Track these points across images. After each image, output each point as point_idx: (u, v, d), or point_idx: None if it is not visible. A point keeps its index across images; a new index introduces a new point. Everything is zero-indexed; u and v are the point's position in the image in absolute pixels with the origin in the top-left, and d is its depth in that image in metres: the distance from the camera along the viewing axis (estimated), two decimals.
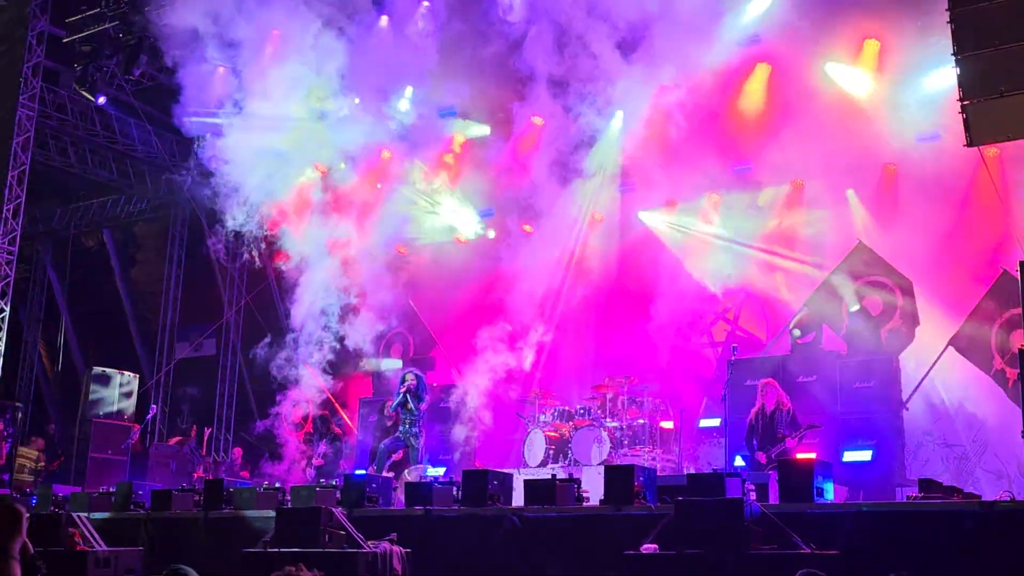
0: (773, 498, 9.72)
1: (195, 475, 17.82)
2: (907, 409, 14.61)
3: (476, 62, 17.87)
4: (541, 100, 17.81)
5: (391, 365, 19.59)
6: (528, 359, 18.10)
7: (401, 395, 15.18)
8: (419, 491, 11.54)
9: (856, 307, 15.51)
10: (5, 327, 17.27)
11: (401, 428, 15.08)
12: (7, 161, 17.35)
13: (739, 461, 13.34)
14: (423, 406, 15.16)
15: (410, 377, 15.38)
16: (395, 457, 14.79)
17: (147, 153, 21.96)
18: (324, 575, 5.10)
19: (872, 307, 15.65)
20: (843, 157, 16.21)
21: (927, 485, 9.58)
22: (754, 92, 16.93)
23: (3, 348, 17.19)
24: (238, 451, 20.82)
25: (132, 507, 13.26)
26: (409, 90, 19.33)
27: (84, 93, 18.60)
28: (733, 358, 13.72)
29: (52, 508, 13.37)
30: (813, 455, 11.95)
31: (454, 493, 11.45)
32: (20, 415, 21.84)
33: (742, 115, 17.07)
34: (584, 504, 10.78)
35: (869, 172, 16.29)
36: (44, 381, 25.99)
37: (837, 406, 14.56)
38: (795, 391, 14.32)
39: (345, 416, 19.27)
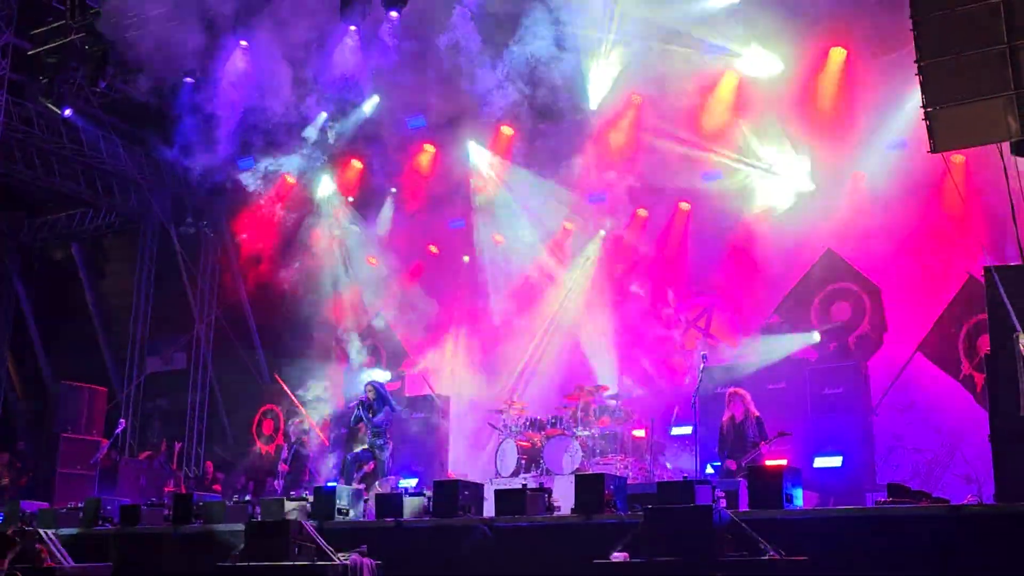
0: (743, 505, 9.74)
1: (166, 489, 17.69)
2: (876, 415, 14.72)
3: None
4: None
5: (373, 376, 19.55)
6: (500, 369, 18.16)
7: (356, 408, 15.04)
8: (390, 502, 11.49)
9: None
10: None
11: (368, 440, 14.97)
12: None
13: (711, 469, 13.38)
14: (380, 418, 14.94)
15: (368, 388, 15.26)
16: (366, 469, 14.68)
17: (115, 166, 21.83)
18: None
19: (840, 313, 15.76)
20: (811, 164, 16.30)
21: (896, 490, 9.63)
22: (722, 100, 16.99)
23: None
24: (209, 465, 20.70)
25: (100, 523, 13.13)
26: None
27: (50, 105, 18.46)
28: (703, 365, 13.75)
29: (20, 524, 13.21)
30: (784, 462, 11.99)
31: (425, 504, 11.41)
32: None
33: (710, 124, 17.12)
34: (555, 513, 10.77)
35: (841, 178, 16.38)
36: (12, 395, 25.74)
37: (807, 413, 14.64)
38: (765, 398, 14.37)
39: (317, 427, 19.19)
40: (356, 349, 20.12)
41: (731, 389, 13.22)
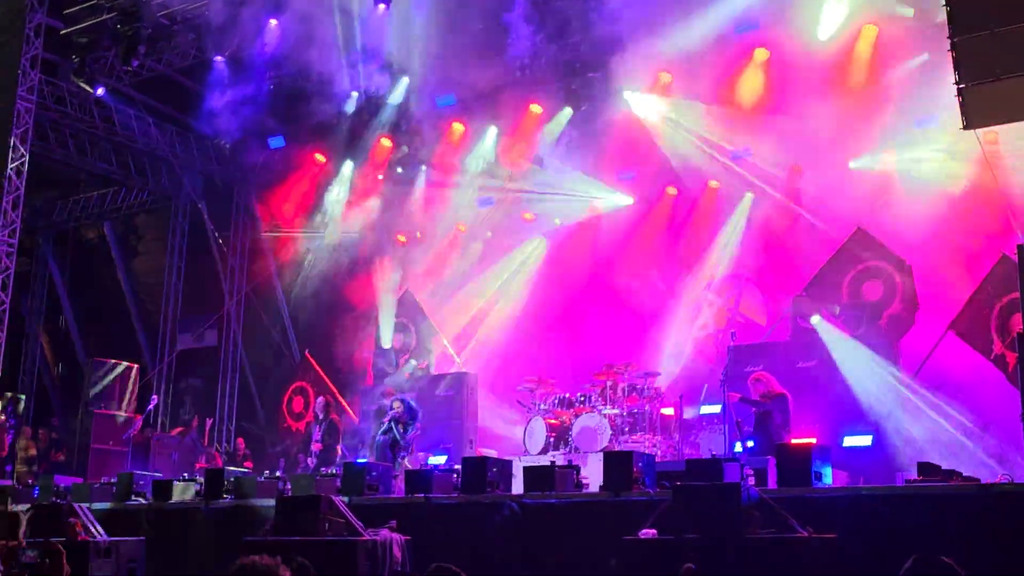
0: (772, 483, 9.72)
1: (197, 465, 17.86)
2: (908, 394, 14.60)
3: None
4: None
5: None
6: (529, 346, 18.18)
7: (387, 424, 15.20)
8: (419, 479, 11.56)
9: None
10: (6, 320, 17.26)
11: (391, 439, 15.12)
12: (6, 153, 17.33)
13: (739, 448, 13.34)
14: (411, 435, 15.17)
15: (397, 404, 15.38)
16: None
17: (146, 145, 21.95)
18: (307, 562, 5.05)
19: (872, 292, 15.65)
20: (841, 142, 16.18)
21: (926, 469, 9.58)
22: (751, 78, 16.89)
23: (4, 340, 17.18)
24: (241, 441, 20.86)
25: (133, 497, 13.28)
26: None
27: (82, 84, 18.58)
28: (732, 344, 13.70)
29: (54, 499, 13.40)
30: (812, 440, 11.93)
31: (454, 480, 11.48)
32: (22, 406, 21.90)
33: (739, 102, 17.03)
34: (583, 491, 10.80)
35: (867, 158, 16.25)
36: (46, 373, 26.04)
37: (837, 391, 14.56)
38: (796, 377, 14.32)
39: (345, 403, 19.32)
40: (386, 326, 20.23)
41: (755, 374, 13.01)
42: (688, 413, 15.26)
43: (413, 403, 15.61)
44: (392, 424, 15.13)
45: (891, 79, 15.70)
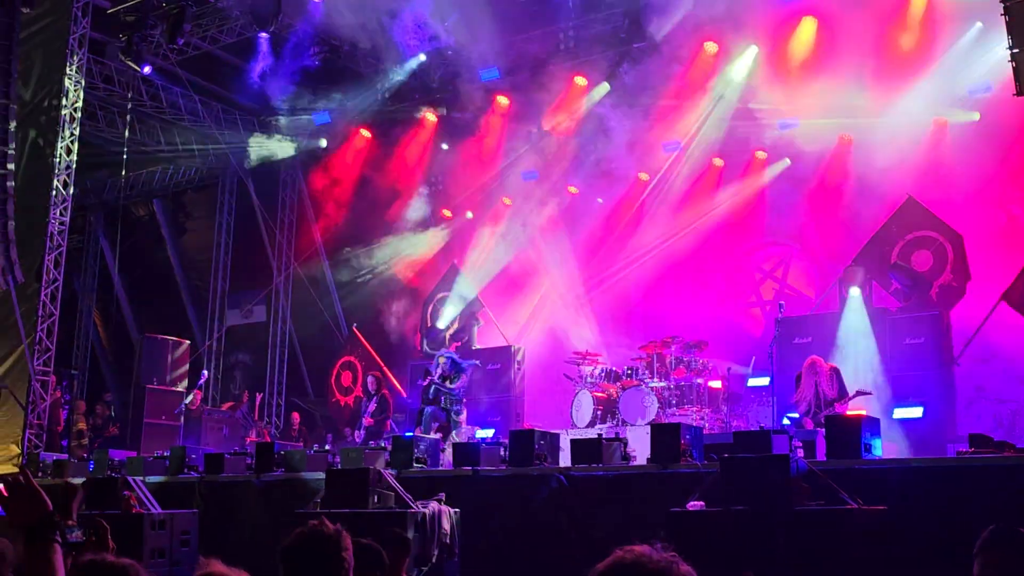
0: (820, 455, 9.66)
1: (247, 439, 18.07)
2: (959, 365, 14.44)
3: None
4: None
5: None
6: (574, 320, 18.16)
7: (436, 380, 15.30)
8: (467, 452, 11.62)
9: (896, 263, 15.32)
10: (60, 296, 17.52)
11: (443, 402, 15.21)
12: (56, 133, 17.55)
13: (787, 420, 13.26)
14: (458, 385, 15.26)
15: (443, 360, 15.50)
16: (438, 423, 14.94)
17: (194, 122, 22.12)
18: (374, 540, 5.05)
19: (922, 262, 15.45)
20: (891, 111, 15.97)
21: (978, 440, 9.46)
22: (800, 46, 16.69)
23: (58, 317, 17.45)
24: (296, 416, 21.05)
25: (186, 471, 13.47)
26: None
27: (129, 63, 18.71)
28: (780, 316, 13.59)
29: (108, 472, 13.63)
30: (862, 412, 11.84)
31: (501, 453, 11.53)
32: (76, 382, 22.26)
33: (787, 70, 16.84)
34: (630, 463, 10.80)
35: (919, 126, 16.03)
36: (99, 349, 26.43)
37: (887, 363, 14.43)
38: (844, 348, 14.21)
39: (393, 378, 19.43)
40: (432, 301, 20.32)
41: (811, 359, 12.82)
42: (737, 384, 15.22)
43: (457, 357, 15.71)
44: (442, 380, 15.22)
45: (944, 46, 15.45)
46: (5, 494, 2.52)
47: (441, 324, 19.71)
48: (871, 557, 7.86)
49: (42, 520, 2.66)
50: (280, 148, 22.88)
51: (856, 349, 14.30)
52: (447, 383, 15.24)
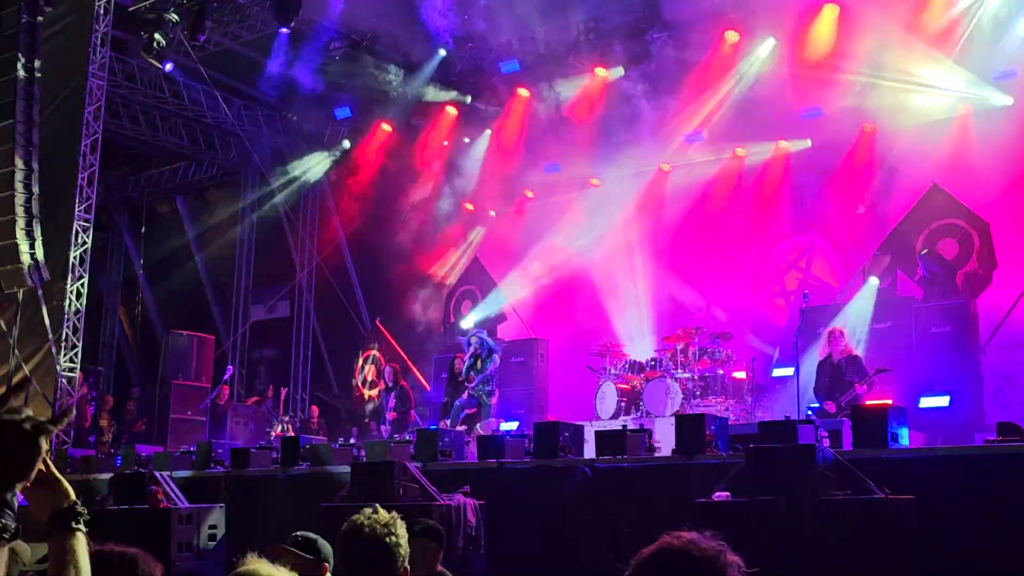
0: (847, 445, 9.61)
1: (273, 434, 18.14)
2: (985, 353, 14.33)
3: None
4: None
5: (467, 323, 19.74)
6: (597, 312, 18.14)
7: (469, 359, 15.31)
8: (491, 444, 11.63)
9: (925, 250, 15.23)
10: (85, 293, 17.64)
11: (474, 386, 15.18)
12: (79, 131, 17.65)
13: (809, 411, 13.20)
14: (491, 367, 15.24)
15: (475, 340, 15.50)
16: (468, 411, 14.92)
17: (215, 119, 22.19)
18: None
19: (948, 251, 15.35)
20: (915, 99, 15.86)
21: (1006, 429, 9.37)
22: (821, 33, 16.59)
23: (84, 314, 17.57)
24: (315, 409, 21.12)
25: (212, 465, 13.54)
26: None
27: (151, 60, 18.81)
28: (805, 305, 13.52)
29: (136, 467, 13.72)
30: (888, 401, 11.78)
31: (526, 446, 11.53)
32: (103, 379, 22.41)
33: (809, 58, 16.74)
34: (655, 454, 10.79)
35: (943, 113, 15.90)
36: (125, 345, 26.60)
37: (913, 352, 14.34)
38: (870, 338, 14.13)
39: (417, 372, 19.47)
40: (455, 295, 20.36)
41: (830, 328, 12.93)
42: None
43: (488, 338, 15.72)
44: (474, 359, 15.21)
45: (969, 32, 15.31)
46: (28, 484, 2.53)
47: (465, 324, 19.71)
48: (898, 546, 7.82)
49: (64, 510, 2.66)
50: (301, 143, 22.95)
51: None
52: (479, 364, 15.21)
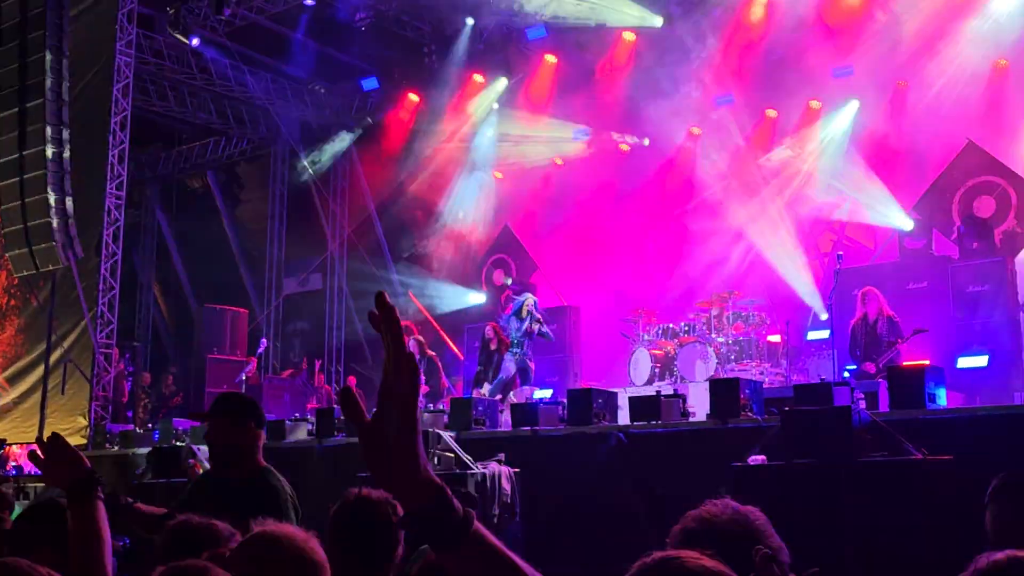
0: (883, 406, 9.52)
1: (308, 406, 18.23)
2: None
3: None
4: None
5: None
6: (630, 277, 18.05)
7: (528, 318, 15.08)
8: (525, 412, 11.62)
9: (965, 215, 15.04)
10: (119, 270, 17.78)
11: (518, 351, 15.00)
12: (108, 109, 17.73)
13: (846, 373, 13.09)
14: (548, 328, 15.16)
15: (530, 301, 15.29)
16: (503, 377, 14.79)
17: (243, 93, 22.20)
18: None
19: (984, 209, 15.12)
20: (949, 55, 15.60)
21: None
22: None
23: (118, 291, 17.72)
24: (352, 380, 21.19)
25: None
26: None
27: (177, 36, 18.85)
28: (839, 267, 13.38)
29: (173, 441, 13.83)
30: (926, 361, 11.64)
31: (560, 413, 11.52)
32: (139, 354, 22.61)
33: (841, 15, 16.49)
34: (689, 419, 10.74)
35: (978, 69, 15.63)
36: (161, 321, 26.81)
37: (950, 312, 14.16)
38: (906, 298, 13.96)
39: (450, 341, 19.49)
40: (485, 264, 20.32)
41: (865, 288, 12.79)
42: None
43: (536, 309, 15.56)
44: (531, 319, 15.04)
45: None
46: (41, 456, 2.52)
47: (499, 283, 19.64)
48: (937, 507, 7.75)
49: (81, 479, 2.66)
50: (329, 115, 22.94)
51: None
52: (541, 326, 15.07)
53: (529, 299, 15.35)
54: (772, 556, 2.76)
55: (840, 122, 17.29)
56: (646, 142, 19.15)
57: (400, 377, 1.92)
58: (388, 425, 1.90)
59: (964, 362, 13.57)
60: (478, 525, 1.93)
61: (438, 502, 1.90)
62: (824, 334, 14.93)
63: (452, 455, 10.45)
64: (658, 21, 18.25)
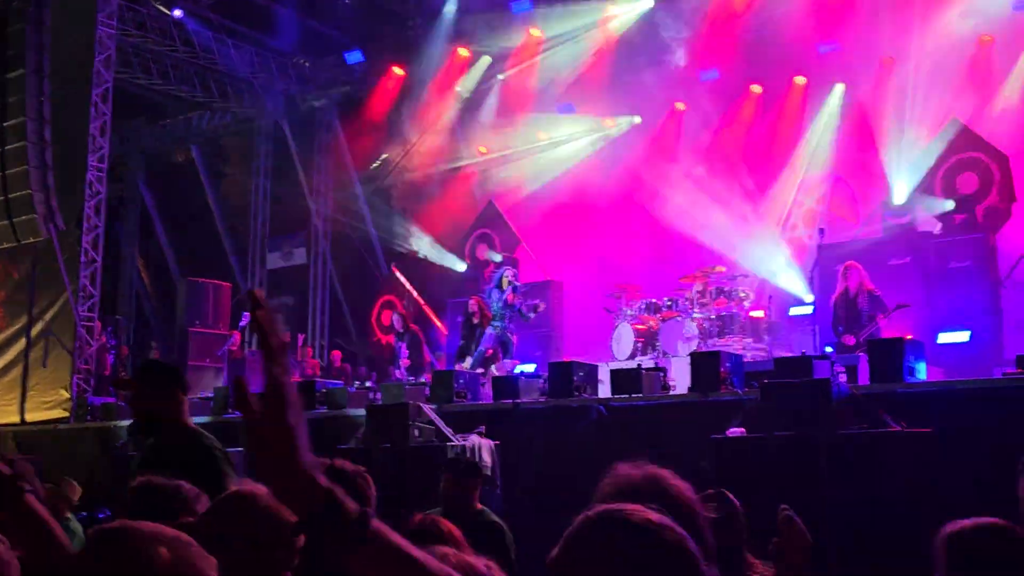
0: (863, 379, 9.55)
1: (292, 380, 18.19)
2: (1005, 288, 14.18)
3: None
4: None
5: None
6: (613, 253, 18.04)
7: (509, 288, 15.04)
8: (507, 385, 11.63)
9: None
10: (101, 243, 17.67)
11: (499, 324, 14.99)
12: (90, 82, 17.55)
13: (829, 349, 13.11)
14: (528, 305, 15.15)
15: (509, 274, 15.31)
16: (486, 352, 14.80)
17: (227, 66, 22.03)
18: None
19: (967, 185, 15.15)
20: (934, 30, 15.58)
21: None
22: None
23: (100, 264, 17.61)
24: (336, 354, 21.16)
25: (231, 411, 13.58)
26: None
27: (160, 7, 18.69)
28: (821, 242, 13.39)
29: None
30: (908, 336, 11.66)
31: (541, 386, 11.53)
32: (122, 328, 22.49)
33: None
34: (670, 392, 10.76)
35: (963, 45, 15.62)
36: (144, 295, 26.70)
37: (932, 288, 14.21)
38: (888, 274, 13.99)
39: (434, 317, 19.47)
40: (469, 238, 20.30)
41: (846, 263, 12.79)
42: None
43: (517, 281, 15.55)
44: (511, 284, 15.03)
45: None
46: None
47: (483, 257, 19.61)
48: (916, 480, 7.78)
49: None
50: (314, 89, 22.83)
51: None
52: (525, 299, 15.05)
53: (508, 271, 15.38)
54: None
55: (829, 104, 17.28)
56: (637, 120, 19.08)
57: (270, 362, 1.81)
58: (267, 418, 1.75)
59: (945, 337, 13.62)
60: (378, 524, 1.80)
61: (327, 505, 1.78)
62: (807, 310, 14.97)
63: (433, 428, 10.46)
64: None
